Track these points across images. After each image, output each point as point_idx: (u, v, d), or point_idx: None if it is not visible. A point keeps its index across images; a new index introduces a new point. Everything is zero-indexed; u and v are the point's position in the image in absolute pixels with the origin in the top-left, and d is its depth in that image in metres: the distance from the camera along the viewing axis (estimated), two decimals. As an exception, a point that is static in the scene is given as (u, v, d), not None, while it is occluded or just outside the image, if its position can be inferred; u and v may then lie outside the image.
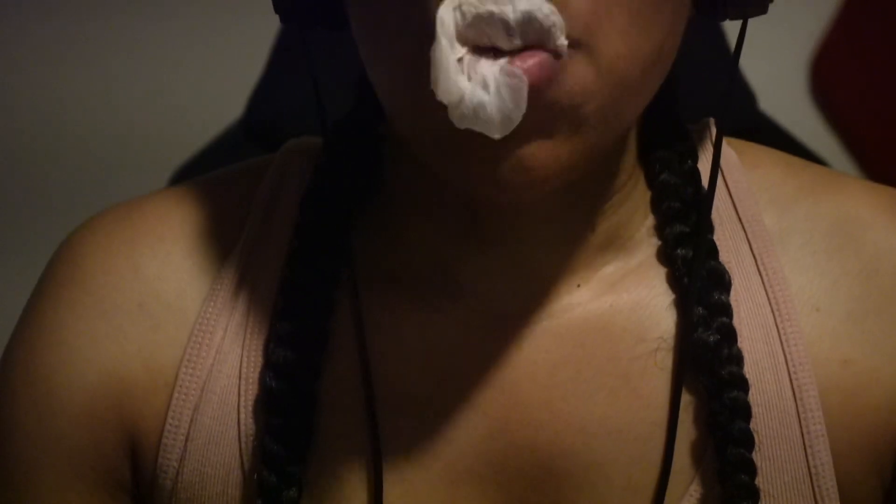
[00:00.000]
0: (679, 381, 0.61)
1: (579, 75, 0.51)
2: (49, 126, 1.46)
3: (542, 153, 0.52)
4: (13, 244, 1.42)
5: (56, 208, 1.35)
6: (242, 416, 0.62)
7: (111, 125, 1.46)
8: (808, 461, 0.60)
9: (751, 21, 0.60)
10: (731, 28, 0.62)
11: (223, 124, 1.14)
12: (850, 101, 1.45)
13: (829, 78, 1.46)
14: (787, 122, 1.12)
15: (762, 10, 0.59)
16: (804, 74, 1.48)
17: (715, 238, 0.63)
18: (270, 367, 0.61)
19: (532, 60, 0.50)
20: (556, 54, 0.50)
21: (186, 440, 0.62)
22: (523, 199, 0.55)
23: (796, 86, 1.47)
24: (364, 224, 0.64)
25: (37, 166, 1.46)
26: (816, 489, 0.60)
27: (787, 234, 0.64)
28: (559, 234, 0.61)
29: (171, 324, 0.63)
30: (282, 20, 0.62)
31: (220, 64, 1.43)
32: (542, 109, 0.51)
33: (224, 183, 0.68)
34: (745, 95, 1.11)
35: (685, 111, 0.66)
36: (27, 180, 1.46)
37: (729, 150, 0.66)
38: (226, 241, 0.65)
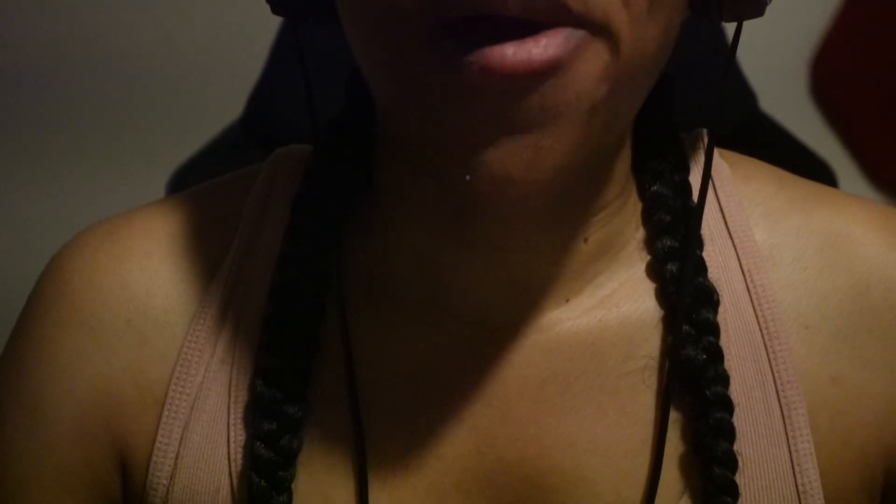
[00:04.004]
0: (667, 400, 0.60)
1: (598, 60, 0.51)
2: (47, 127, 1.46)
3: (550, 143, 0.51)
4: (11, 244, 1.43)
5: (53, 212, 1.35)
6: (232, 434, 0.62)
7: (110, 124, 1.46)
8: (795, 480, 0.60)
9: (751, 21, 0.60)
10: (731, 31, 0.62)
11: (222, 124, 1.14)
12: (850, 100, 1.45)
13: (829, 78, 1.46)
14: (787, 122, 1.12)
15: (758, 12, 0.58)
16: (804, 74, 1.47)
17: (704, 254, 0.63)
18: (259, 373, 0.61)
19: (554, 41, 0.49)
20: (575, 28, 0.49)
21: (176, 458, 0.62)
22: (528, 193, 0.54)
23: (796, 85, 1.46)
24: (354, 229, 0.64)
25: (30, 169, 1.47)
26: (804, 508, 0.60)
27: (778, 249, 0.63)
28: (550, 242, 0.61)
29: (159, 340, 0.63)
30: (273, 10, 0.61)
31: (218, 63, 1.42)
32: (558, 92, 0.50)
33: (212, 195, 0.68)
34: (745, 95, 1.10)
35: (683, 115, 0.65)
36: (24, 179, 1.46)
37: (721, 162, 0.66)
38: (214, 255, 0.64)
